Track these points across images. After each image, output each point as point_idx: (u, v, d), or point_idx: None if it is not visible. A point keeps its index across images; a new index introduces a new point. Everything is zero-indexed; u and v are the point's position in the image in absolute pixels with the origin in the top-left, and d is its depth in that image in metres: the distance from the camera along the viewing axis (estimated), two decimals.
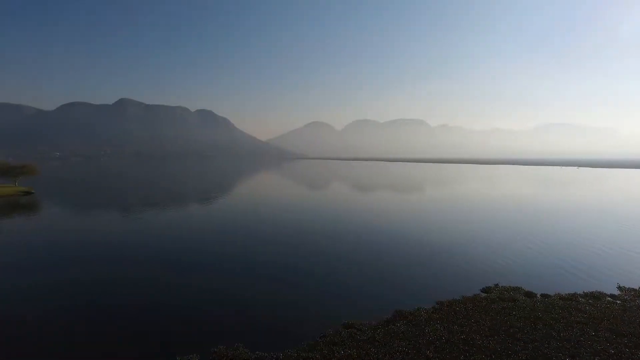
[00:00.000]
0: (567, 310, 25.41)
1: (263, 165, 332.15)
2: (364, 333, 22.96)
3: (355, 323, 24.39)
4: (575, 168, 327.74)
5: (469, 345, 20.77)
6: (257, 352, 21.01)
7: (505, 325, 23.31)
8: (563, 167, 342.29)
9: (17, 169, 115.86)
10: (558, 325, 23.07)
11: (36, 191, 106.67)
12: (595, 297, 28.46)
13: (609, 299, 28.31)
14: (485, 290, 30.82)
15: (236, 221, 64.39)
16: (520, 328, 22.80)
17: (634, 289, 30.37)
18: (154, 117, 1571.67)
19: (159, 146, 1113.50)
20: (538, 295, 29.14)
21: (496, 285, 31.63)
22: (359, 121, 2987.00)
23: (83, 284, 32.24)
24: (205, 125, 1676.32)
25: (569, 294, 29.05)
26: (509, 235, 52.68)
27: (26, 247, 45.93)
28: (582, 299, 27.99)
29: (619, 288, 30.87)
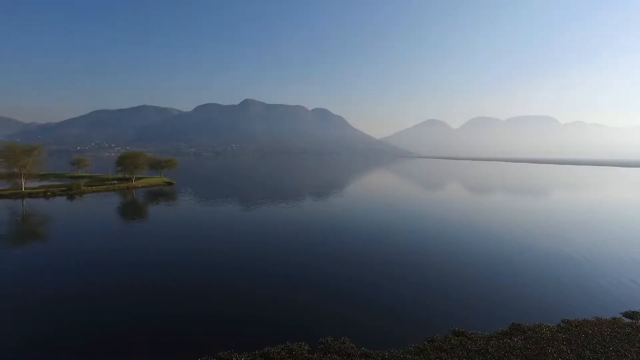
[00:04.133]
0: None
1: (375, 164, 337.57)
2: (476, 343, 22.63)
3: (466, 331, 24.42)
4: None
5: None
6: (363, 349, 22.32)
7: None
8: None
9: (163, 163, 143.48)
10: None
11: (176, 182, 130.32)
12: None
13: None
14: (629, 315, 27.63)
15: (350, 218, 70.53)
16: None
17: None
18: (274, 115, 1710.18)
19: (278, 143, 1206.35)
20: None
21: None
22: (478, 118, 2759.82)
23: (218, 256, 42.43)
24: (321, 123, 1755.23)
25: None
26: None
27: (170, 225, 61.81)
28: None
29: None
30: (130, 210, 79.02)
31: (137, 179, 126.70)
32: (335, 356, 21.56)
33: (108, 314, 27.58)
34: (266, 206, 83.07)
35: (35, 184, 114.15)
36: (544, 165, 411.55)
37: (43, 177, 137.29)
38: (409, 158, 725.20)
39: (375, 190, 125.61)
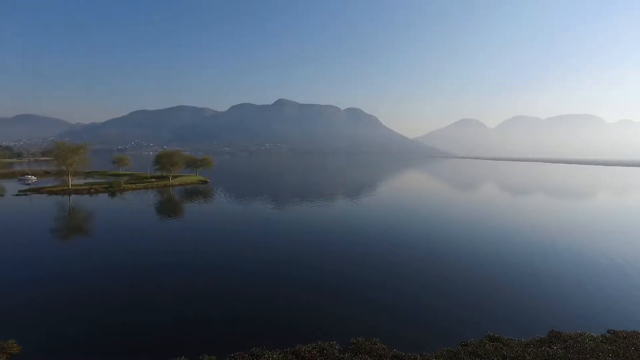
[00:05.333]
0: None
1: (407, 164, 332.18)
2: (512, 349, 22.06)
3: (502, 337, 23.94)
4: None
5: None
6: (394, 350, 22.34)
7: None
8: None
9: (198, 162, 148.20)
10: None
11: (210, 180, 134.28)
12: None
13: None
14: None
15: (381, 219, 70.57)
16: None
17: None
18: (307, 115, 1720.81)
19: (311, 143, 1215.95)
20: None
21: None
22: (516, 118, 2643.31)
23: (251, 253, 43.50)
24: (354, 123, 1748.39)
25: None
26: None
27: (205, 221, 64.19)
28: None
29: None
30: (167, 208, 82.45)
31: (174, 177, 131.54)
32: (366, 357, 21.64)
33: (150, 313, 29.11)
34: (297, 205, 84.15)
35: (80, 181, 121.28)
36: (587, 166, 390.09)
37: (87, 174, 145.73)
38: (442, 158, 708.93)
39: (406, 191, 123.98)
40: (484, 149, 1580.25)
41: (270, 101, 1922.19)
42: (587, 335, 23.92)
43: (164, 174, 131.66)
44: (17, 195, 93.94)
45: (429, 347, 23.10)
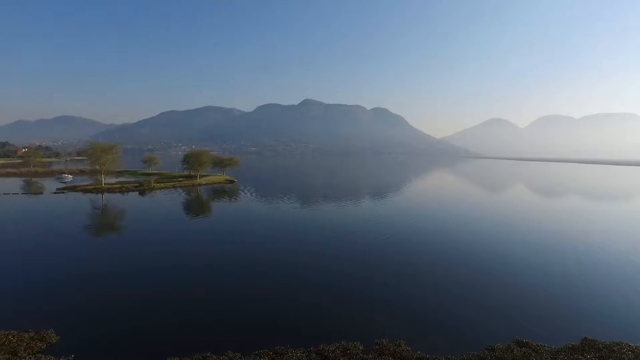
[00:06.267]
0: None
1: (435, 164, 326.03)
2: (542, 356, 21.51)
3: (531, 342, 23.28)
4: None
5: None
6: (419, 352, 22.21)
7: None
8: None
9: (225, 161, 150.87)
10: None
11: (237, 180, 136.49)
12: None
13: None
14: None
15: (409, 218, 69.74)
16: None
17: None
18: (332, 115, 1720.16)
19: (337, 143, 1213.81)
20: None
21: None
22: (548, 117, 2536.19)
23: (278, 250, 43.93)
24: (380, 123, 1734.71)
25: None
26: None
27: (232, 221, 65.50)
28: None
29: None
30: (194, 207, 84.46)
31: (201, 176, 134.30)
32: (390, 358, 21.51)
33: (179, 311, 29.95)
34: (323, 205, 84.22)
35: (112, 179, 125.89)
36: (627, 167, 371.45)
37: (119, 173, 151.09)
38: (470, 158, 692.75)
39: (435, 191, 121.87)
40: (514, 149, 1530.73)
41: (296, 101, 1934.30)
42: (624, 345, 22.56)
43: (192, 173, 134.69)
44: (55, 193, 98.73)
45: (454, 351, 22.68)
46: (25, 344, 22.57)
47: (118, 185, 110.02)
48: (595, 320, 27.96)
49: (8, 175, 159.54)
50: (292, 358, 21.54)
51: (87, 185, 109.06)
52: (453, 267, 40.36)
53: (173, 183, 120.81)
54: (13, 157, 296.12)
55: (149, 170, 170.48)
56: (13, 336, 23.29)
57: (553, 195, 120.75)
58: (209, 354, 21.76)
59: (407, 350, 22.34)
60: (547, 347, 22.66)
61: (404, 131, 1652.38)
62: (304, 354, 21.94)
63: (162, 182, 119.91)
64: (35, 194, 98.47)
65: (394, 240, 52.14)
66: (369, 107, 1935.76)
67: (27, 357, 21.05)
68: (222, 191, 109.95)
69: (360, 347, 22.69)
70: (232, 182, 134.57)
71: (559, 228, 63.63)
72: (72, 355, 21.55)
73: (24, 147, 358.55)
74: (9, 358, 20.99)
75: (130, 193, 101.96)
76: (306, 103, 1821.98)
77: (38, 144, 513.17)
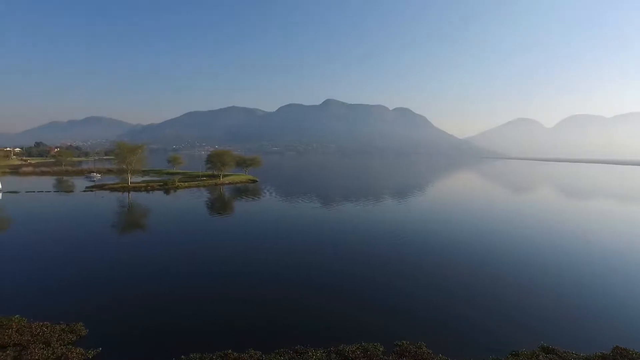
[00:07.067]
0: None
1: (458, 164, 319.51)
2: None
3: (558, 349, 22.72)
4: None
5: None
6: (440, 355, 22.11)
7: None
8: None
9: (248, 161, 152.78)
10: None
11: (259, 179, 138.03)
12: None
13: None
14: None
15: (432, 222, 69.23)
16: None
17: None
18: (355, 115, 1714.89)
19: (359, 143, 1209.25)
20: None
21: None
22: (577, 116, 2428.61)
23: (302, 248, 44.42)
24: (402, 123, 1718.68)
25: None
26: None
27: (254, 220, 66.54)
28: None
29: None
30: (217, 206, 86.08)
31: (224, 176, 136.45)
32: None
33: (202, 309, 30.70)
34: (343, 206, 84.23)
35: (138, 178, 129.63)
36: None
37: (145, 172, 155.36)
38: (494, 159, 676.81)
39: (457, 194, 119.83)
40: (540, 149, 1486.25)
41: (318, 101, 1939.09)
42: None
43: (215, 172, 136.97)
44: (84, 191, 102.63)
45: (476, 355, 22.53)
46: (57, 335, 23.74)
47: (144, 184, 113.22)
48: (628, 328, 27.01)
49: (42, 174, 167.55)
50: (312, 358, 21.75)
51: (114, 184, 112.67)
52: (477, 269, 39.70)
53: (197, 182, 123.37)
54: (46, 157, 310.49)
55: (174, 170, 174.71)
56: (47, 327, 24.61)
57: (583, 198, 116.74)
58: (230, 351, 22.23)
59: (429, 352, 22.15)
60: (576, 354, 22.14)
61: (427, 131, 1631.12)
62: (324, 354, 22.12)
63: (186, 182, 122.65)
64: (66, 192, 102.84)
65: (413, 242, 51.78)
66: (391, 107, 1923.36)
67: (59, 348, 22.13)
68: (244, 190, 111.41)
69: (381, 349, 22.75)
70: (254, 181, 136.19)
71: (588, 232, 61.66)
72: (100, 349, 22.49)
73: (56, 147, 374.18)
74: (43, 348, 22.12)
75: (155, 192, 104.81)
76: (328, 103, 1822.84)
77: (69, 143, 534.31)
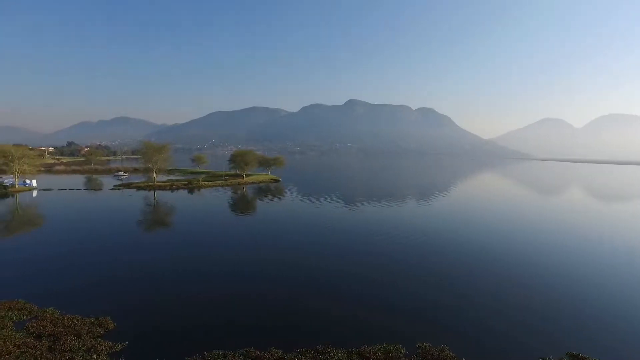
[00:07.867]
0: None
1: (480, 165, 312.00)
2: None
3: (586, 357, 22.29)
4: None
5: None
6: (463, 359, 22.16)
7: None
8: None
9: (271, 161, 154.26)
10: None
11: (282, 179, 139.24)
12: None
13: None
14: None
15: (457, 224, 68.56)
16: None
17: None
18: (377, 115, 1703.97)
19: (382, 143, 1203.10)
20: None
21: None
22: (608, 116, 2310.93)
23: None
24: (426, 123, 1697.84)
25: None
26: None
27: (278, 220, 67.25)
28: None
29: None
30: (241, 205, 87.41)
31: (247, 175, 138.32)
32: None
33: (228, 308, 31.47)
34: (365, 206, 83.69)
35: (163, 177, 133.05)
36: None
37: (170, 171, 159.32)
38: (520, 160, 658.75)
39: (482, 196, 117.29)
40: (569, 150, 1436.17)
41: (341, 102, 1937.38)
42: None
43: (238, 172, 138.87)
44: (112, 189, 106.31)
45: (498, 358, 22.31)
46: (87, 328, 24.83)
47: (168, 183, 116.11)
48: None
49: (73, 172, 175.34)
50: (334, 358, 21.91)
51: (140, 182, 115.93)
52: (503, 274, 38.97)
53: (220, 182, 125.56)
54: (77, 156, 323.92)
55: (198, 169, 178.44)
56: (77, 320, 25.82)
57: (612, 201, 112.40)
58: (251, 349, 22.65)
59: (452, 356, 22.03)
60: None
61: (451, 132, 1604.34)
62: (345, 354, 22.22)
63: (209, 181, 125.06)
64: (95, 190, 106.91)
65: (440, 247, 51.23)
66: (414, 107, 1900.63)
67: (89, 340, 23.15)
68: (267, 190, 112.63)
69: (403, 351, 22.67)
70: (277, 181, 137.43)
71: (616, 239, 59.52)
72: (127, 342, 23.34)
73: (86, 147, 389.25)
74: (74, 339, 23.22)
75: (179, 190, 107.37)
76: (351, 103, 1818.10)
77: (98, 143, 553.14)
